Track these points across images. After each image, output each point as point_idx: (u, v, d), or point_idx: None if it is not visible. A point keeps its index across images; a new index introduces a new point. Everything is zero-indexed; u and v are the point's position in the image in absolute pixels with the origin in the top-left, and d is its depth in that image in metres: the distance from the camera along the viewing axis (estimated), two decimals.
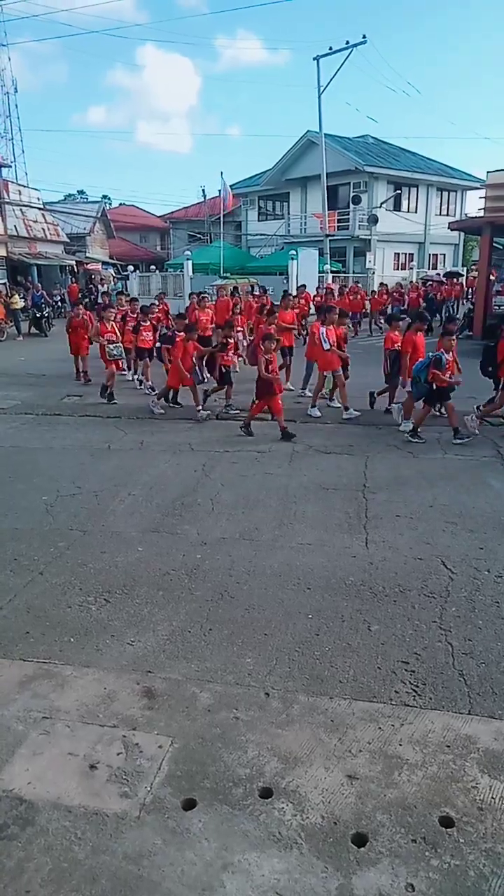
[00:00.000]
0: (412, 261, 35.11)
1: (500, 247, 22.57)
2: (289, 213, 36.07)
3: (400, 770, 2.77)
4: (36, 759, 2.84)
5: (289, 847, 2.41)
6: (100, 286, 30.81)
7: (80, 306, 14.48)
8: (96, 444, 8.28)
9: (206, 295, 14.24)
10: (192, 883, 2.28)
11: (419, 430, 8.19)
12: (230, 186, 30.15)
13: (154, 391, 10.92)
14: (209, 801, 2.62)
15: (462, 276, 28.58)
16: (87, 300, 23.49)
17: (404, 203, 33.71)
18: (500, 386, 8.57)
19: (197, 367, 10.09)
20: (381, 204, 31.04)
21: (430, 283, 26.76)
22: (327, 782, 2.71)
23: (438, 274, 29.10)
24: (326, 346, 9.28)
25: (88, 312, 13.69)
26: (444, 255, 36.94)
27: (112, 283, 31.74)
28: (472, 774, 2.74)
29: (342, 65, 24.58)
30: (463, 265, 35.88)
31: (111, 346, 10.75)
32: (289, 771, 2.77)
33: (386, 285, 23.68)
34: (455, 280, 25.48)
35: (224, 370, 10.06)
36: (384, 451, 7.74)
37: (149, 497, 6.23)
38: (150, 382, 11.55)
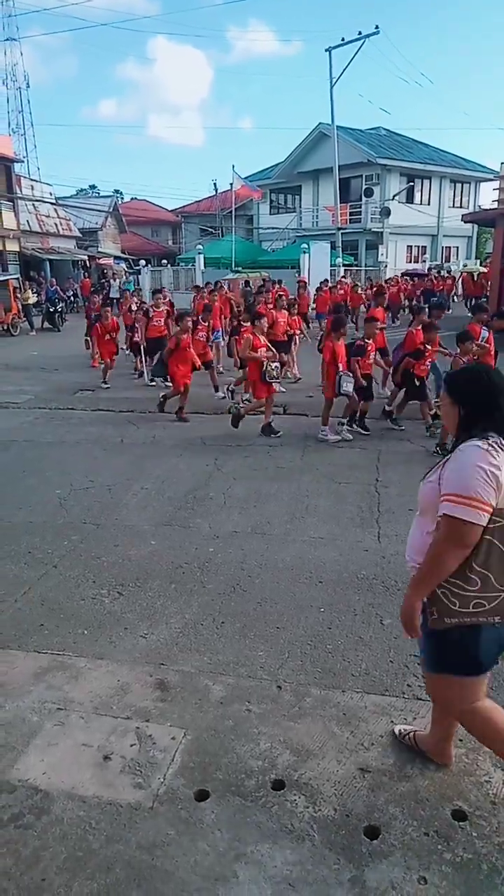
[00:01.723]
0: (425, 253, 34.89)
1: None
2: (301, 207, 35.93)
3: (412, 763, 2.78)
4: (51, 750, 2.87)
5: (301, 839, 2.42)
6: (112, 281, 30.90)
7: (108, 308, 13.34)
8: (109, 438, 8.32)
9: (210, 285, 14.36)
10: (205, 873, 2.30)
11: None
12: (246, 179, 30.05)
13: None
14: (222, 792, 2.64)
15: (450, 271, 27.70)
16: (100, 295, 23.57)
17: (417, 195, 33.47)
18: None
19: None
20: (394, 196, 30.83)
21: (415, 277, 25.87)
22: (339, 775, 2.72)
23: (433, 268, 28.29)
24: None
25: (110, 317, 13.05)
26: (458, 247, 36.64)
27: (124, 277, 31.78)
28: (485, 768, 2.74)
29: (354, 56, 24.45)
30: (477, 258, 35.56)
31: (271, 367, 8.29)
32: (301, 763, 2.78)
33: (371, 280, 23.25)
34: (439, 274, 24.58)
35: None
36: (396, 445, 7.71)
37: (161, 491, 6.26)
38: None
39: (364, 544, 4.98)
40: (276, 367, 8.46)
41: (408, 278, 25.33)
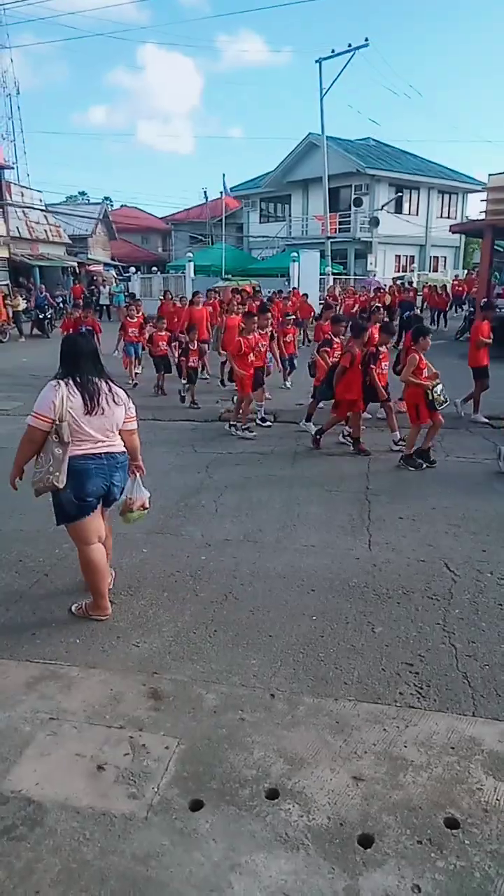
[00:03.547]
0: (413, 263, 35.19)
1: (502, 249, 22.57)
2: (290, 216, 36.15)
3: (405, 771, 2.79)
4: (43, 760, 2.86)
5: (296, 848, 2.43)
6: (102, 288, 30.88)
7: (89, 309, 14.02)
8: None
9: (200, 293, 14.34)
10: (199, 883, 2.29)
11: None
12: (230, 188, 30.26)
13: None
14: (216, 801, 2.63)
15: (411, 283, 26.22)
16: (90, 301, 23.50)
17: (405, 205, 33.80)
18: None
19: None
20: (383, 206, 31.12)
21: (374, 289, 24.34)
22: (333, 783, 2.73)
23: (396, 280, 27.23)
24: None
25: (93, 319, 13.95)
26: (446, 257, 37.02)
27: (114, 284, 31.77)
28: (477, 776, 2.76)
29: (344, 67, 24.75)
30: (464, 267, 35.91)
31: (437, 392, 7.09)
32: (295, 772, 2.79)
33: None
34: (402, 286, 23.41)
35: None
36: (386, 453, 7.76)
37: (152, 499, 6.21)
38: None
39: (355, 552, 5.01)
40: (442, 389, 7.14)
41: (363, 288, 24.20)
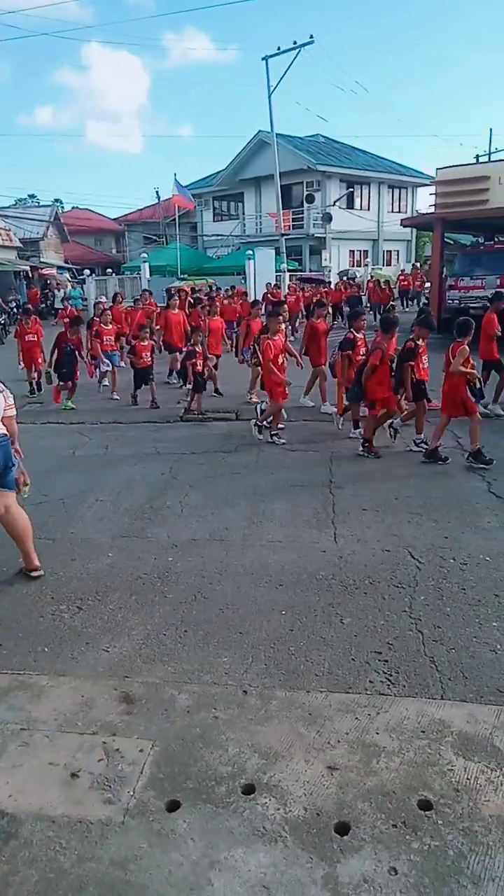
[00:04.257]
0: (367, 257, 35.64)
1: (452, 242, 23.04)
2: (244, 214, 36.22)
3: (378, 758, 2.84)
4: (16, 772, 2.81)
5: (274, 841, 2.45)
6: (56, 291, 30.40)
7: (78, 327, 11.56)
8: (61, 450, 8.19)
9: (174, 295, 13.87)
10: (179, 883, 2.29)
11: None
12: (187, 187, 30.11)
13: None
14: (193, 801, 2.64)
15: (354, 278, 26.05)
16: (43, 306, 23.09)
17: (357, 201, 34.19)
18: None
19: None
20: (335, 202, 31.42)
21: (310, 284, 24.37)
22: (308, 775, 2.76)
23: (341, 275, 27.02)
24: None
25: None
26: (398, 251, 37.59)
27: (69, 287, 31.31)
28: (448, 757, 2.83)
29: (290, 65, 24.89)
30: (416, 261, 36.53)
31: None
32: (270, 766, 2.81)
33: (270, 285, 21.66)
34: (347, 281, 23.32)
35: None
36: (348, 447, 7.85)
37: (117, 502, 6.20)
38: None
39: (321, 545, 5.06)
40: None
41: (305, 285, 24.13)
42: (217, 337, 11.61)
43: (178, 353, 12.25)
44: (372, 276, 26.34)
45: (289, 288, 22.28)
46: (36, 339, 11.99)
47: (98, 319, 12.25)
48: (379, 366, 7.41)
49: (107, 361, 11.66)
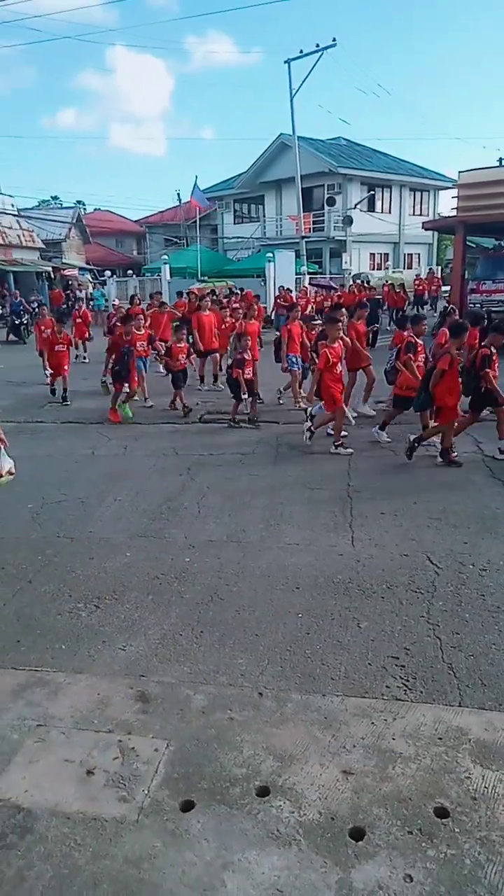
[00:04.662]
0: (388, 261, 35.48)
1: (474, 245, 22.87)
2: (264, 216, 36.26)
3: (394, 764, 2.82)
4: (32, 767, 2.83)
5: (288, 844, 2.44)
6: (78, 292, 30.66)
7: (131, 324, 10.89)
8: (80, 450, 8.25)
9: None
10: (193, 883, 2.29)
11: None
12: (202, 190, 30.24)
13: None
14: (207, 801, 2.64)
15: (369, 281, 24.70)
16: (65, 306, 23.27)
17: (378, 204, 34.07)
18: None
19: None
20: (356, 205, 31.32)
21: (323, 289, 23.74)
22: (323, 779, 2.74)
23: (356, 279, 25.97)
24: None
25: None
26: (419, 254, 37.37)
27: (91, 288, 31.56)
28: (465, 765, 2.79)
29: (313, 68, 24.82)
30: (438, 264, 36.29)
31: None
32: (285, 769, 2.80)
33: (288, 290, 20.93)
34: (362, 285, 22.20)
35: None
36: (366, 450, 7.81)
37: (135, 502, 6.23)
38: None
39: (338, 549, 5.04)
40: None
41: (317, 289, 23.73)
42: (253, 341, 10.61)
43: (208, 357, 12.01)
44: (386, 281, 26.02)
45: (300, 291, 21.82)
46: (65, 348, 11.57)
47: (120, 324, 11.68)
48: (448, 371, 7.02)
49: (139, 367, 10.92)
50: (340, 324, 8.25)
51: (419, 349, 7.97)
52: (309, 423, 8.11)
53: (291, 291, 20.67)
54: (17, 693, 3.35)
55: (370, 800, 2.62)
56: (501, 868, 2.31)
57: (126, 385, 9.97)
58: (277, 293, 20.64)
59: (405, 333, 8.42)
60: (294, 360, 10.16)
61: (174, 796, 2.67)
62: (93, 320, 19.39)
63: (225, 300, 16.12)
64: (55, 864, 2.38)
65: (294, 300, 18.10)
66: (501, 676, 3.41)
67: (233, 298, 16.80)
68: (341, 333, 8.16)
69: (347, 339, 8.45)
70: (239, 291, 18.62)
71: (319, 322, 10.71)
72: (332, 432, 8.03)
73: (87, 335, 16.44)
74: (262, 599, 4.30)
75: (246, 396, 9.24)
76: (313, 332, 10.37)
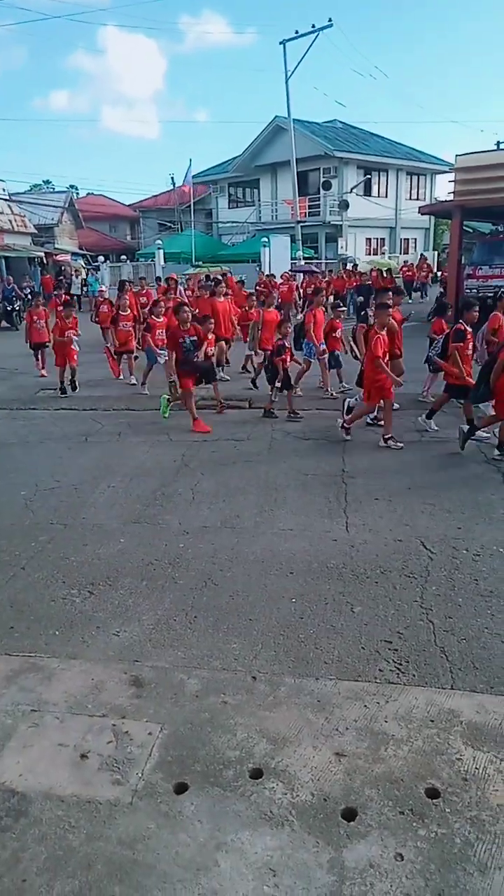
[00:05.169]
0: (384, 245, 35.26)
1: (471, 230, 22.74)
2: (259, 200, 35.94)
3: (386, 745, 2.84)
4: (26, 752, 2.85)
5: (280, 825, 2.46)
6: (73, 277, 30.40)
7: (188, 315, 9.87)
8: (73, 436, 8.23)
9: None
10: (186, 864, 2.32)
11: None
12: (194, 175, 30.07)
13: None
14: (200, 784, 2.66)
15: (356, 266, 24.47)
16: (57, 293, 23.06)
17: (374, 188, 33.80)
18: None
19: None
20: (352, 189, 31.07)
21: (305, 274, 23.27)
22: (316, 760, 2.77)
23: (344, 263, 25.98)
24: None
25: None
26: (416, 239, 37.15)
27: (84, 273, 31.31)
28: (456, 747, 2.82)
29: (308, 49, 24.58)
30: (434, 249, 36.11)
31: None
32: (278, 751, 2.82)
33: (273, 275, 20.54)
34: (352, 270, 22.22)
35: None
36: (361, 436, 7.81)
37: (129, 488, 6.23)
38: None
39: (332, 534, 5.05)
40: None
41: (298, 275, 23.03)
42: (271, 330, 10.17)
43: (223, 344, 11.28)
44: (374, 266, 25.61)
45: (281, 277, 20.96)
46: (75, 334, 10.91)
47: (150, 311, 11.21)
48: None
49: (162, 353, 10.29)
50: (391, 309, 7.81)
51: (468, 337, 7.53)
52: (345, 417, 7.71)
53: (273, 277, 20.36)
54: (11, 679, 3.36)
55: (362, 781, 2.65)
56: (491, 847, 2.34)
57: (192, 381, 8.57)
58: (257, 279, 20.02)
59: (444, 322, 8.28)
60: (311, 347, 9.74)
61: (168, 779, 2.69)
62: (86, 307, 19.24)
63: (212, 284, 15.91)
64: (49, 845, 2.40)
65: (276, 285, 17.72)
66: (493, 660, 3.43)
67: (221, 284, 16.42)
68: (390, 320, 7.64)
69: (394, 324, 7.94)
70: (221, 277, 18.13)
71: (343, 309, 10.51)
72: (381, 424, 7.59)
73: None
74: (256, 584, 4.31)
75: (278, 385, 8.73)
76: (337, 321, 10.18)
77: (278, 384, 8.76)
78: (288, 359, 8.78)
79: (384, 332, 7.42)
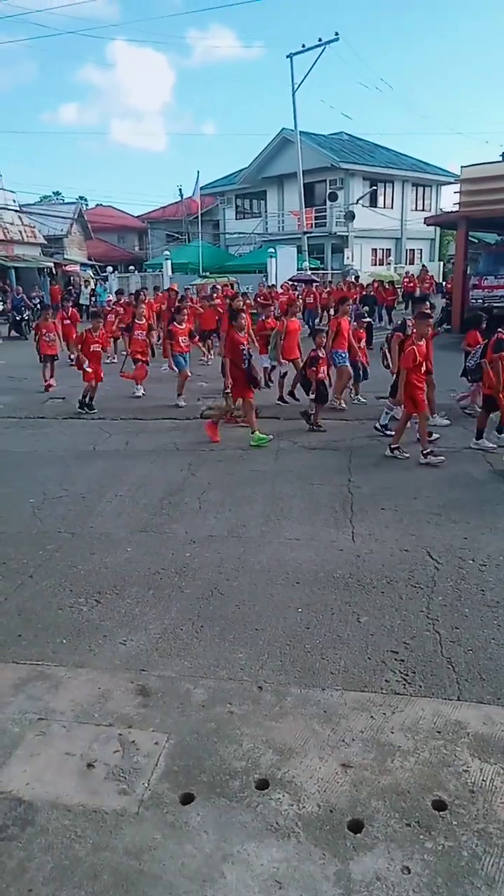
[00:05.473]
0: (390, 256, 35.36)
1: (476, 241, 22.79)
2: (266, 212, 36.13)
3: (393, 757, 2.83)
4: (33, 760, 2.85)
5: (287, 836, 2.45)
6: (82, 287, 30.61)
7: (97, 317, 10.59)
8: (81, 446, 8.27)
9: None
10: (192, 875, 2.31)
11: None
12: (202, 187, 30.34)
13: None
14: (207, 794, 2.65)
15: (357, 278, 23.67)
16: (67, 304, 23.23)
17: (380, 199, 33.91)
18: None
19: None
20: (358, 200, 31.19)
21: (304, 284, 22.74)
22: (322, 772, 2.76)
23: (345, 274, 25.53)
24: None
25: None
26: (422, 249, 37.22)
27: (93, 283, 31.53)
28: (463, 758, 2.81)
29: (315, 62, 24.85)
30: (440, 259, 36.16)
31: None
32: (284, 762, 2.82)
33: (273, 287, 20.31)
34: (354, 281, 21.84)
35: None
36: (367, 446, 7.81)
37: (136, 497, 6.25)
38: None
39: (339, 544, 5.05)
40: None
41: (297, 285, 22.47)
42: (294, 340, 10.10)
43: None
44: (375, 279, 25.31)
45: (281, 287, 20.93)
46: (101, 348, 10.55)
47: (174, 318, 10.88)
48: None
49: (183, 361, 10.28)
50: (431, 320, 7.63)
51: None
52: (391, 440, 7.44)
53: (273, 287, 20.39)
54: (19, 687, 3.37)
55: (369, 792, 2.64)
56: (498, 860, 2.32)
57: (252, 391, 8.18)
58: (257, 290, 19.70)
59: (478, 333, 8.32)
60: (342, 356, 9.52)
61: (174, 789, 2.69)
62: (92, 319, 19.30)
63: (215, 295, 16.02)
64: (56, 855, 2.40)
65: (275, 296, 17.73)
66: (500, 671, 3.42)
67: (217, 295, 16.40)
68: (429, 331, 7.47)
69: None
70: (219, 288, 18.04)
71: (369, 320, 10.39)
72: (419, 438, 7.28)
73: (74, 336, 16.37)
74: (263, 594, 4.31)
75: (313, 396, 8.59)
76: (361, 331, 10.12)
77: (312, 395, 8.59)
78: (323, 370, 8.62)
79: (422, 343, 7.25)
